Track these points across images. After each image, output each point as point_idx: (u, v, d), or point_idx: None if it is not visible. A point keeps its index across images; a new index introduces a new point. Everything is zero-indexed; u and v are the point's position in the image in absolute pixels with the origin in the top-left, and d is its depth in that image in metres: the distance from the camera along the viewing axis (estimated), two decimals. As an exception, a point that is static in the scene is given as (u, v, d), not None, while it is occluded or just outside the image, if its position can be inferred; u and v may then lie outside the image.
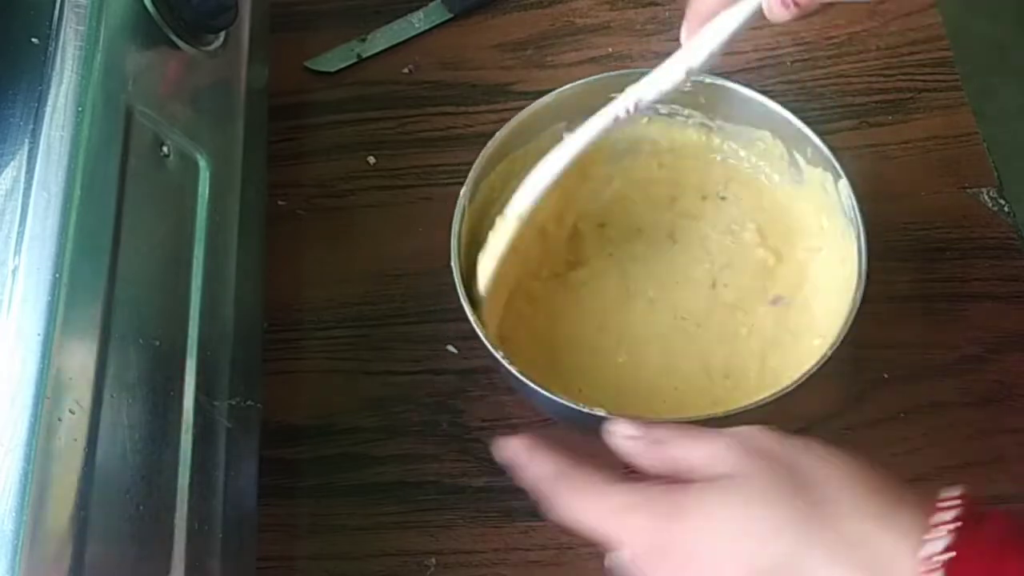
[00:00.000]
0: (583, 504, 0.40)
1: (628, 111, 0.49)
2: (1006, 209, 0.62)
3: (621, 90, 0.50)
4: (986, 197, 0.62)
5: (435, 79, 0.69)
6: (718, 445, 0.39)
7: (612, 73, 0.55)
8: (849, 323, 0.47)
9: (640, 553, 0.38)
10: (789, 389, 0.46)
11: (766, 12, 0.44)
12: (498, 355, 0.48)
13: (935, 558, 0.33)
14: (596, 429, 0.44)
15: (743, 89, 0.54)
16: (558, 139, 0.53)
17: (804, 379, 0.46)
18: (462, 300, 0.50)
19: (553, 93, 0.55)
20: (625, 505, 0.39)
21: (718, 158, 0.58)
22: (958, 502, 0.35)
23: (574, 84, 0.55)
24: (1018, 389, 0.57)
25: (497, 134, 0.54)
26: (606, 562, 0.40)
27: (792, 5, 0.43)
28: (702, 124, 0.57)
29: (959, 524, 0.34)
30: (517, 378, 0.47)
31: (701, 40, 0.46)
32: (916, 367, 0.58)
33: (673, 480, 0.39)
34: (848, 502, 0.36)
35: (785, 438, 0.39)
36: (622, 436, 0.42)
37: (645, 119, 0.58)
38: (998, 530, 0.34)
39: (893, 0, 0.69)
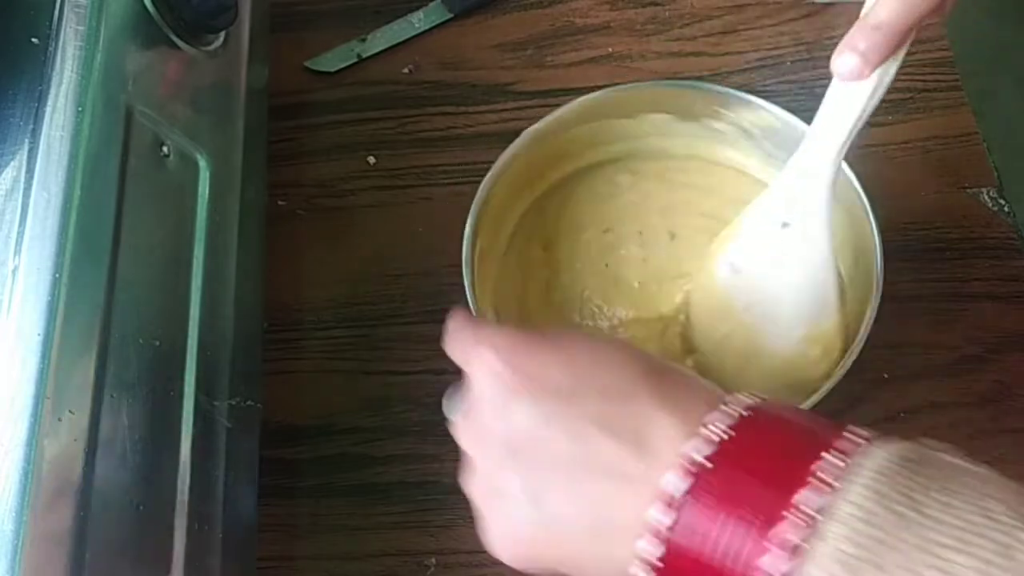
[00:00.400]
0: (456, 333, 0.42)
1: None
2: (1006, 209, 0.62)
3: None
4: (986, 197, 0.62)
5: (435, 79, 0.69)
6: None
7: (611, 90, 0.56)
8: (866, 332, 0.48)
9: (490, 364, 0.39)
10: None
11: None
12: None
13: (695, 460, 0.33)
14: None
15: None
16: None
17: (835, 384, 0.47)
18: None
19: (543, 121, 0.55)
20: (493, 331, 0.40)
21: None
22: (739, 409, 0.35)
23: (572, 106, 0.55)
24: (1018, 389, 0.57)
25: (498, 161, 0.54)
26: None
27: None
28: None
29: (729, 434, 0.34)
30: None
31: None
32: (916, 367, 0.58)
33: None
34: (687, 379, 0.37)
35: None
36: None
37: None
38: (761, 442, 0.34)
39: (893, 0, 0.69)
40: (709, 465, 0.33)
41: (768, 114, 0.54)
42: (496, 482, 0.38)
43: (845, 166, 0.52)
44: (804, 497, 0.31)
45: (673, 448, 0.34)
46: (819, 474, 0.31)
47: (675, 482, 0.33)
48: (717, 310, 0.53)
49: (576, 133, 0.57)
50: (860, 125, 0.46)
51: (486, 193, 0.53)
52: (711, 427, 0.34)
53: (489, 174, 0.53)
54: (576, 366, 0.37)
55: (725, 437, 0.33)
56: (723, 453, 0.33)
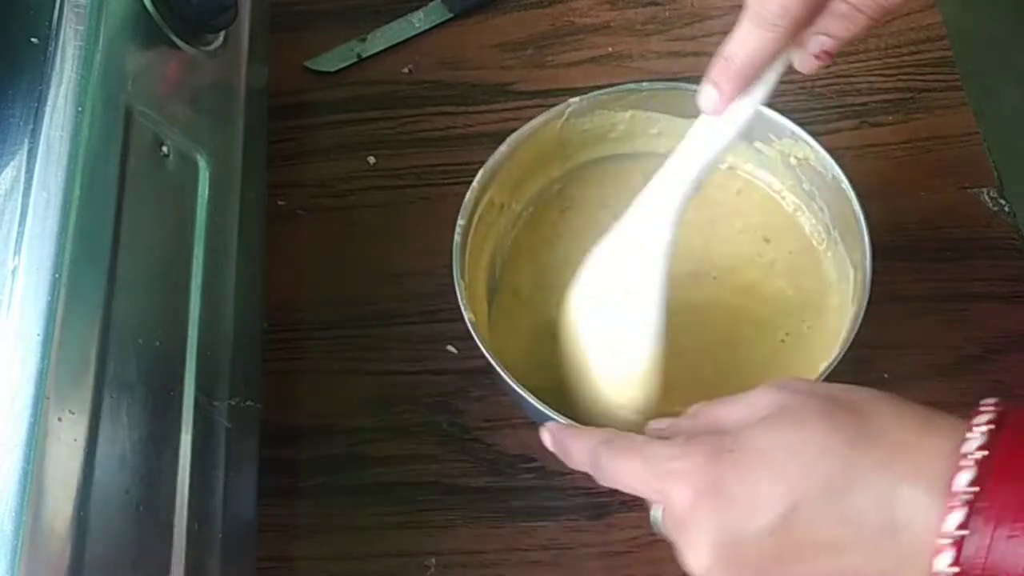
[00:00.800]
0: (628, 463, 0.40)
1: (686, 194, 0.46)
2: (1006, 209, 0.62)
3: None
4: (986, 197, 0.62)
5: (435, 79, 0.70)
6: (754, 395, 0.39)
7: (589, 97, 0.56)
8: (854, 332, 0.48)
9: (691, 496, 0.37)
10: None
11: (797, 66, 0.44)
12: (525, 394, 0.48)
13: (971, 456, 0.34)
14: None
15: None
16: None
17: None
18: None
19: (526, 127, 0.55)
20: (670, 456, 0.39)
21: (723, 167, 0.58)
22: (994, 406, 0.35)
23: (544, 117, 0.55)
24: (1018, 389, 0.57)
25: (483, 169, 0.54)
26: (651, 517, 0.40)
27: (824, 56, 0.43)
28: None
29: (993, 425, 0.34)
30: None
31: (737, 110, 0.44)
32: (916, 367, 0.58)
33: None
34: (889, 416, 0.37)
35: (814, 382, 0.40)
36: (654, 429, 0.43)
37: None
38: None
39: (893, 0, 0.69)
40: (980, 531, 0.33)
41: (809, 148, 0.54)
42: None
43: (839, 172, 0.52)
44: None
45: (930, 524, 0.34)
46: None
47: (947, 560, 0.33)
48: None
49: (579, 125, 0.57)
50: (707, 167, 0.45)
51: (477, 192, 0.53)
52: (962, 493, 0.33)
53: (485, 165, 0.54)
54: (780, 469, 0.36)
55: (978, 492, 0.33)
56: (988, 511, 0.33)
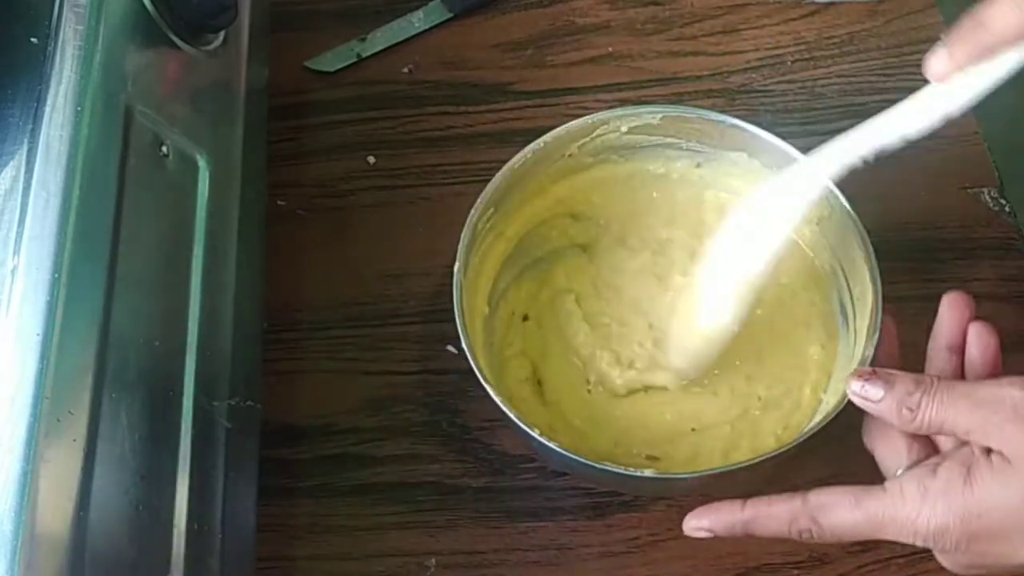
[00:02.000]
0: (848, 517, 0.40)
1: (866, 160, 0.46)
2: (1007, 209, 0.62)
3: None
4: (987, 197, 0.62)
5: (435, 79, 0.69)
6: (986, 419, 0.39)
7: (597, 116, 0.55)
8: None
9: (950, 547, 0.38)
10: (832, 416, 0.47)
11: None
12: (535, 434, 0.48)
13: None
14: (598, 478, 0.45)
15: (730, 119, 0.54)
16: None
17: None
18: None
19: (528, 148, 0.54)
20: (916, 512, 0.39)
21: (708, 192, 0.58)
22: None
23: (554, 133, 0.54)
24: (1018, 389, 0.57)
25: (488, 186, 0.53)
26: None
27: None
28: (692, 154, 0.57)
29: None
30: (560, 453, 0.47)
31: (968, 80, 0.41)
32: (916, 367, 0.57)
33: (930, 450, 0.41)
34: None
35: None
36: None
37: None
38: None
39: (893, 0, 0.69)
40: None
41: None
42: None
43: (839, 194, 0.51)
44: None
45: None
46: None
47: None
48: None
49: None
50: (894, 142, 0.45)
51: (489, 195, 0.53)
52: None
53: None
54: None
55: None
56: None
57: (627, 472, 0.46)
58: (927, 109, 0.43)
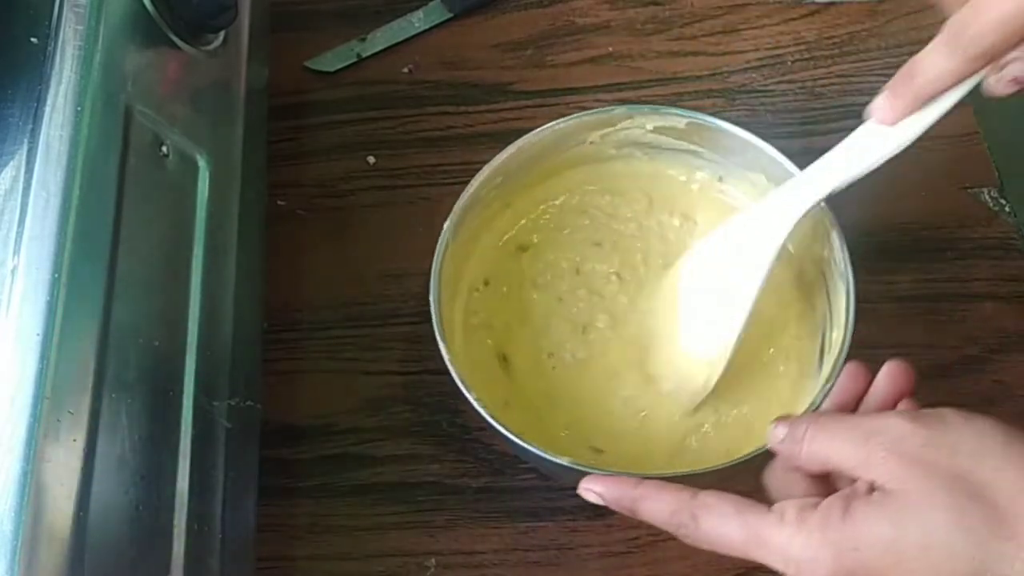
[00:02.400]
0: (726, 529, 0.40)
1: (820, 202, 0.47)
2: (1007, 209, 0.62)
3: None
4: (987, 197, 0.62)
5: (435, 79, 0.69)
6: (868, 452, 0.38)
7: (592, 113, 0.55)
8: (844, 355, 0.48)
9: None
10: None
11: (986, 89, 0.44)
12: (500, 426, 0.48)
13: None
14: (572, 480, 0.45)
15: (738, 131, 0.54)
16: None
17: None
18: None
19: (524, 139, 0.54)
20: (789, 537, 0.38)
21: (695, 187, 0.58)
22: None
23: (550, 126, 0.55)
24: (1018, 389, 0.57)
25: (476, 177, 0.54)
26: None
27: (1015, 83, 0.42)
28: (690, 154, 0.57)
29: None
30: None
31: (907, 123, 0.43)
32: (916, 367, 0.57)
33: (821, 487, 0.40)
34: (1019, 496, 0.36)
35: (930, 435, 0.37)
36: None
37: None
38: None
39: (893, 0, 0.69)
40: None
41: None
42: None
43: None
44: None
45: None
46: None
47: None
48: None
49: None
50: (853, 178, 0.46)
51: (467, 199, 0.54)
52: None
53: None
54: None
55: None
56: None
57: (570, 465, 0.46)
58: (871, 147, 0.45)
